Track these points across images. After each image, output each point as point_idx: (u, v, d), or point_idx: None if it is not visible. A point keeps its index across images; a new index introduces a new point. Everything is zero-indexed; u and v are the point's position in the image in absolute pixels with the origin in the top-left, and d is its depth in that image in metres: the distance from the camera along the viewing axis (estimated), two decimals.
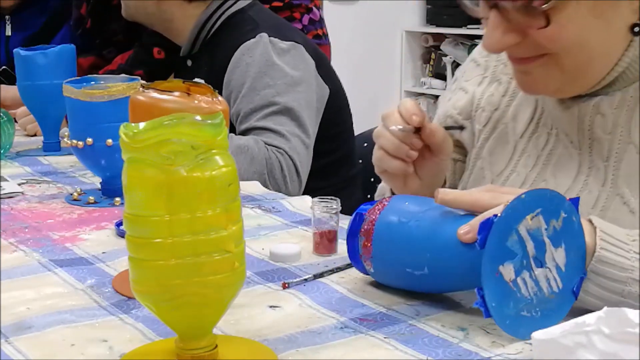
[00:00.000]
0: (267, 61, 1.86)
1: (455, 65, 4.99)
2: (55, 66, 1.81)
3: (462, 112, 1.24)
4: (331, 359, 0.85)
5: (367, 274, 1.03)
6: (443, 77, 5.19)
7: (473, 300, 0.86)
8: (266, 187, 1.64)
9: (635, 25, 0.99)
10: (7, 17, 2.46)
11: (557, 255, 0.88)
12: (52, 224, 1.32)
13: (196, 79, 1.50)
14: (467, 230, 0.88)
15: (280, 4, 2.36)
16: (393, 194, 1.20)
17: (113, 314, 0.96)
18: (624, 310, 0.71)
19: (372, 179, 1.99)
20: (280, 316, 0.95)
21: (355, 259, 1.02)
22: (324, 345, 0.87)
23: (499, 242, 0.84)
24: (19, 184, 1.56)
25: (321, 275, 1.07)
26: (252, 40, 1.89)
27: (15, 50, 1.85)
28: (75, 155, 1.50)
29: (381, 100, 5.19)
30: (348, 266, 1.07)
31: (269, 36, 1.89)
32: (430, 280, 0.94)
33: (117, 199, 1.43)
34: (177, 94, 0.94)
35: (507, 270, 0.85)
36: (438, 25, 5.18)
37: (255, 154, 1.73)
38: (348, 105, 2.10)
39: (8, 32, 2.47)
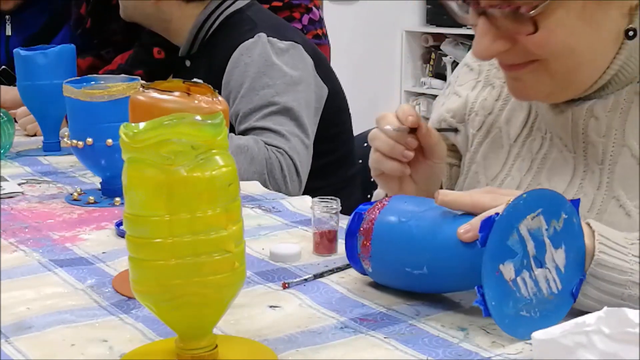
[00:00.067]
0: (266, 61, 1.86)
1: (455, 65, 4.97)
2: (55, 66, 1.81)
3: (455, 115, 1.24)
4: (331, 359, 0.85)
5: (365, 274, 1.03)
6: (443, 77, 5.19)
7: (473, 300, 0.86)
8: (266, 187, 1.64)
9: (629, 30, 0.99)
10: (7, 17, 2.46)
11: (557, 256, 0.88)
12: (52, 224, 1.32)
13: (195, 79, 1.51)
14: (467, 229, 0.89)
15: (280, 3, 2.36)
16: None
17: (113, 314, 0.96)
18: (624, 310, 0.71)
19: (372, 179, 1.99)
20: (280, 316, 0.95)
21: (354, 258, 1.02)
22: (324, 345, 0.87)
23: (500, 240, 0.84)
24: (19, 184, 1.56)
25: (321, 275, 1.07)
26: (250, 40, 1.89)
27: (15, 50, 1.85)
28: (75, 155, 1.50)
29: (381, 101, 5.20)
30: (348, 266, 1.07)
31: (268, 36, 1.89)
32: (429, 279, 0.94)
33: (117, 199, 1.43)
34: (177, 94, 0.94)
35: (507, 270, 0.85)
36: (438, 25, 5.18)
37: (255, 154, 1.73)
38: (347, 105, 2.10)
39: (8, 32, 2.47)
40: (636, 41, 1.00)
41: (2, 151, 1.77)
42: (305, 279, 1.05)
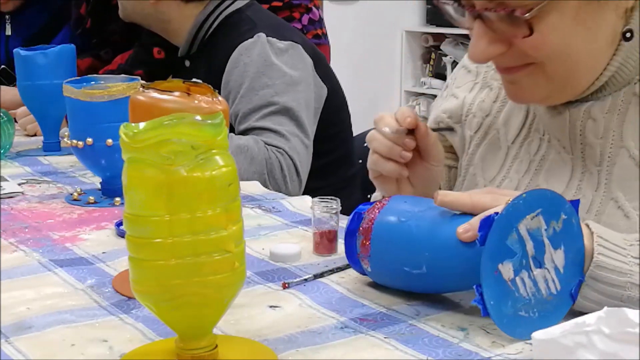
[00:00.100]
0: (266, 61, 1.86)
1: (455, 65, 4.97)
2: (55, 66, 1.81)
3: (452, 116, 1.24)
4: (331, 359, 0.85)
5: (364, 274, 1.03)
6: (443, 77, 5.18)
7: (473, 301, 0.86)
8: (266, 187, 1.64)
9: (626, 31, 0.99)
10: (7, 17, 2.46)
11: (556, 257, 0.88)
12: (52, 224, 1.32)
13: (194, 79, 1.51)
14: (467, 229, 0.89)
15: (280, 3, 2.36)
16: None
17: (113, 314, 0.96)
18: (624, 310, 0.71)
19: None
20: (280, 316, 0.95)
21: (353, 257, 1.02)
22: (324, 345, 0.87)
23: (499, 239, 0.84)
24: (19, 184, 1.56)
25: (321, 275, 1.07)
26: (249, 40, 1.89)
27: (15, 50, 1.85)
28: (75, 155, 1.50)
29: (381, 100, 5.19)
30: (348, 266, 1.07)
31: (267, 36, 1.89)
32: (427, 279, 0.94)
33: (117, 199, 1.43)
34: (177, 94, 0.94)
35: (506, 269, 0.85)
36: (438, 25, 5.18)
37: (255, 154, 1.73)
38: (346, 105, 2.10)
39: (8, 31, 2.47)
40: (633, 42, 1.00)
41: (2, 151, 1.77)
42: (305, 279, 1.05)
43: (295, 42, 1.92)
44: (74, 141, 1.43)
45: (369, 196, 1.97)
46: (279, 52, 1.88)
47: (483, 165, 1.19)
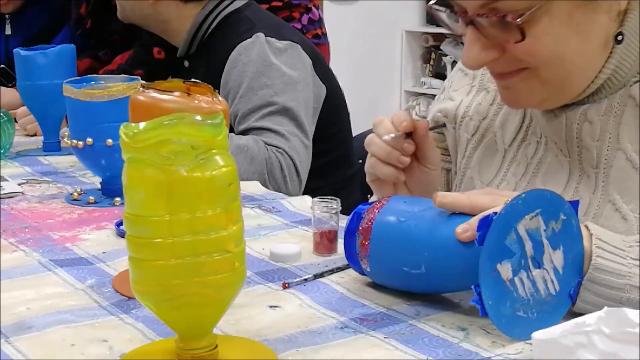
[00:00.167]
0: (264, 61, 1.86)
1: (455, 65, 4.98)
2: (55, 66, 1.81)
3: (446, 115, 1.24)
4: (331, 359, 0.85)
5: (363, 274, 1.03)
6: (443, 77, 5.18)
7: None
8: (266, 187, 1.64)
9: (618, 34, 0.99)
10: (7, 17, 2.46)
11: (555, 257, 0.88)
12: (52, 224, 1.32)
13: (194, 80, 1.51)
14: (466, 229, 0.89)
15: (280, 3, 2.36)
16: None
17: (113, 314, 0.96)
18: (624, 310, 0.71)
19: None
20: (280, 316, 0.95)
21: (352, 257, 1.02)
22: (324, 345, 0.87)
23: (497, 239, 0.84)
24: (19, 184, 1.56)
25: (321, 275, 1.07)
26: (248, 40, 1.88)
27: (15, 50, 1.85)
28: (75, 155, 1.50)
29: (381, 100, 5.19)
30: (348, 266, 1.07)
31: (266, 36, 1.89)
32: (426, 279, 0.94)
33: (117, 199, 1.43)
34: (177, 94, 0.94)
35: (505, 269, 0.85)
36: (438, 25, 5.15)
37: (255, 154, 1.73)
38: (345, 104, 2.10)
39: (8, 31, 2.47)
40: (628, 45, 1.00)
41: (2, 151, 1.77)
42: (305, 279, 1.05)
43: (294, 42, 1.92)
44: (74, 141, 1.43)
45: (368, 196, 1.98)
46: (277, 52, 1.88)
47: (480, 168, 1.19)
